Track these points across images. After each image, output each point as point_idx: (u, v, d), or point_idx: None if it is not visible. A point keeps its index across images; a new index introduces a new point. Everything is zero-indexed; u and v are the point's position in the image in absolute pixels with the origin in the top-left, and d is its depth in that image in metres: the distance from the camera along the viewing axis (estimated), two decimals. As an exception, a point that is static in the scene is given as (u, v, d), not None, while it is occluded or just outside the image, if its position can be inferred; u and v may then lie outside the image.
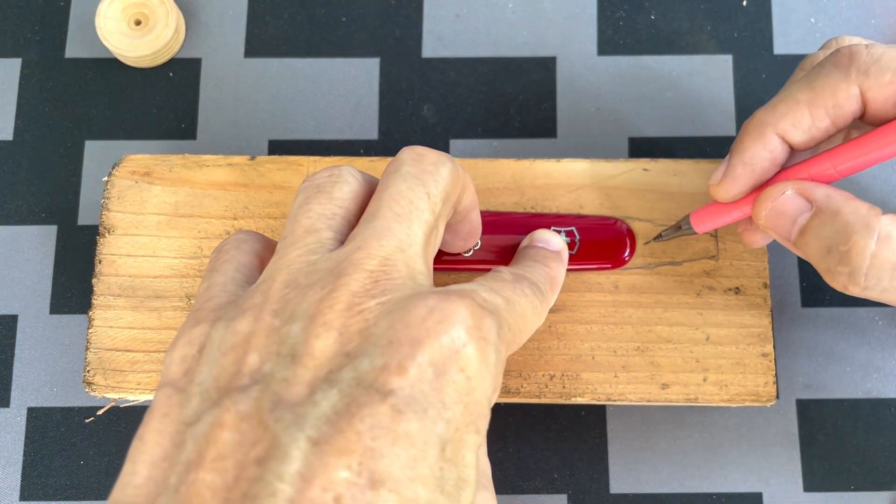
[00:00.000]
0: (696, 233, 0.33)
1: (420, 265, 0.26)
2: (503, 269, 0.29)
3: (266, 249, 0.30)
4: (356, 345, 0.23)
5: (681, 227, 0.33)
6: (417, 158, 0.28)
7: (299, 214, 0.27)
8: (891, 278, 0.28)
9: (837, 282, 0.28)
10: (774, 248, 0.39)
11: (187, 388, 0.25)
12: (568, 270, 0.34)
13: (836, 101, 0.29)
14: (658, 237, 0.34)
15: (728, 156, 0.31)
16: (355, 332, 0.24)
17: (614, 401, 0.33)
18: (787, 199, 0.29)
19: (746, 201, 0.31)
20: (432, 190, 0.27)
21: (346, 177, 0.28)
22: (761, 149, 0.30)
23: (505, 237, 0.34)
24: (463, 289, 0.26)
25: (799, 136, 0.29)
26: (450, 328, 0.24)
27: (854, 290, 0.28)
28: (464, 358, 0.24)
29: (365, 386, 0.22)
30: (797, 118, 0.29)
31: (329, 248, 0.26)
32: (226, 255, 0.29)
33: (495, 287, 0.27)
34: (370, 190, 0.28)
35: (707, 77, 0.41)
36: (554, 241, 0.33)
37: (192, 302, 0.34)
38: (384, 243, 0.25)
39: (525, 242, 0.33)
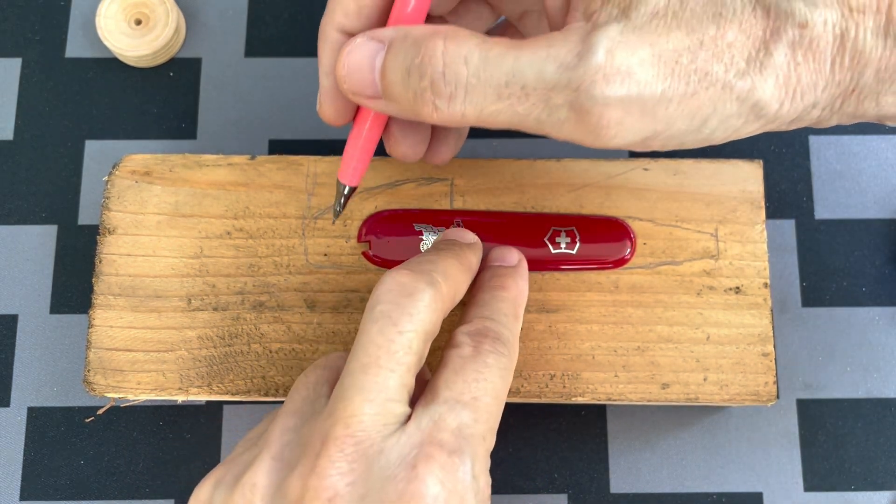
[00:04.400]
0: (354, 187, 0.31)
1: (394, 407, 0.26)
2: (461, 336, 0.28)
3: None
4: None
5: (342, 193, 0.31)
6: (394, 289, 0.27)
7: (299, 385, 0.29)
8: (467, 74, 0.25)
9: (426, 106, 0.25)
10: (774, 249, 0.39)
11: None
12: (568, 270, 0.34)
13: None
14: (335, 213, 0.32)
15: None
16: None
17: (614, 401, 0.33)
18: (358, 46, 0.27)
19: (358, 116, 0.30)
20: (406, 327, 0.26)
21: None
22: (330, 50, 0.29)
23: (505, 238, 0.34)
24: (430, 424, 0.26)
25: (355, 21, 0.28)
26: None
27: (447, 109, 0.25)
28: None
29: None
30: (344, 7, 0.28)
31: (315, 404, 0.27)
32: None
33: (457, 392, 0.26)
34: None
35: (707, 77, 0.41)
36: (509, 256, 0.32)
37: (192, 302, 0.34)
38: (347, 404, 0.25)
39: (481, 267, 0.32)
